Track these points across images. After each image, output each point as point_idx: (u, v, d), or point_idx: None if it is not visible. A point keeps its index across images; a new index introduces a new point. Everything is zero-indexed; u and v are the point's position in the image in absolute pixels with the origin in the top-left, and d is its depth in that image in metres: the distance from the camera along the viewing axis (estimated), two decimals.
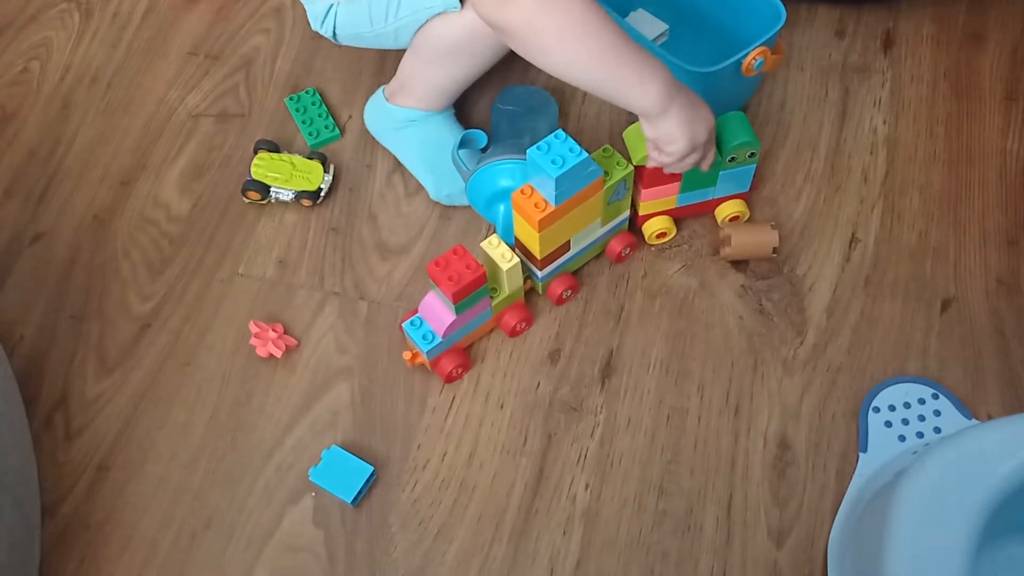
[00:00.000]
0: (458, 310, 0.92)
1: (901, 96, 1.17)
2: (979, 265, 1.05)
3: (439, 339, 0.94)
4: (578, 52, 0.83)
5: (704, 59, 0.98)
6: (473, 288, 0.91)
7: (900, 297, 1.03)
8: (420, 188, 1.11)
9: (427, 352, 0.95)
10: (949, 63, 1.20)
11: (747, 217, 1.06)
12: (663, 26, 1.10)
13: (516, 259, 0.94)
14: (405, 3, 0.99)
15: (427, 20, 0.99)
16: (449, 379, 0.98)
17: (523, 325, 1.01)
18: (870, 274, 1.05)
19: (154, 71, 1.24)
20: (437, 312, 0.94)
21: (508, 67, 1.20)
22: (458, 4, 0.96)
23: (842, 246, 1.06)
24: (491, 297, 0.96)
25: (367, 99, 1.15)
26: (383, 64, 1.21)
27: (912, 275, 1.05)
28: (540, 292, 1.03)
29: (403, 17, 1.00)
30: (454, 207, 1.10)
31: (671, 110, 0.86)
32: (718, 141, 0.98)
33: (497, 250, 0.94)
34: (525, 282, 1.00)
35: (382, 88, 1.12)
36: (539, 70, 1.19)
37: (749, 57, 0.99)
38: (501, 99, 1.13)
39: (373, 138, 1.15)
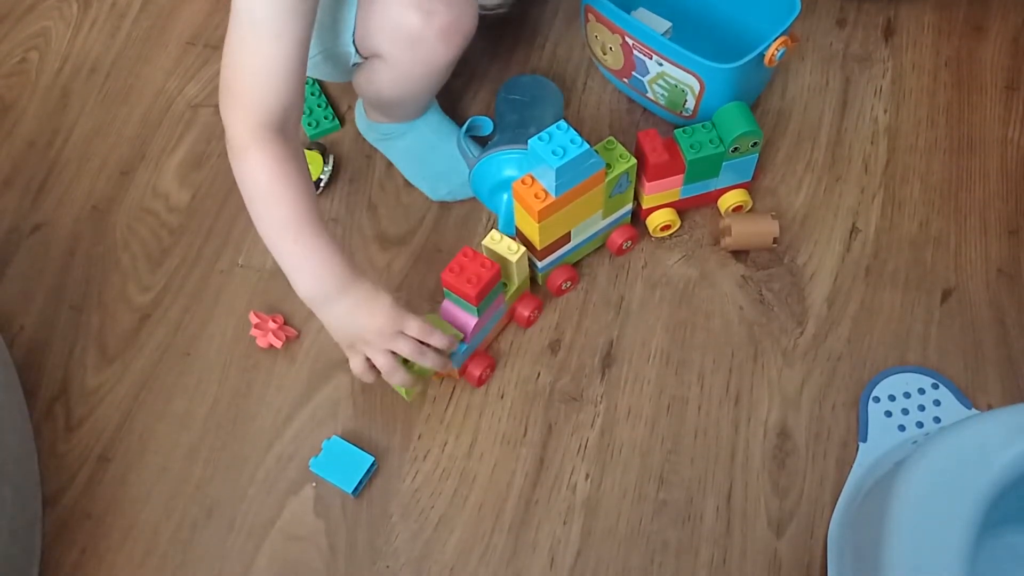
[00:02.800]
0: (479, 311, 0.92)
1: (902, 85, 1.17)
2: (980, 254, 1.05)
3: (464, 345, 0.94)
4: (260, 218, 0.85)
5: (709, 56, 0.98)
6: (492, 286, 0.91)
7: (900, 287, 1.03)
8: None
9: (455, 361, 0.94)
10: (950, 52, 1.19)
11: (750, 207, 1.06)
12: (666, 24, 1.09)
13: (523, 249, 0.94)
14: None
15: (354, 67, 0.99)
16: (479, 383, 0.98)
17: (536, 313, 1.01)
18: (871, 264, 1.05)
19: (153, 61, 1.23)
20: (457, 318, 0.93)
21: (509, 57, 1.19)
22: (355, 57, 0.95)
23: (843, 236, 1.06)
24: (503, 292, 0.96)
25: None
26: None
27: (913, 264, 1.05)
28: (540, 283, 1.03)
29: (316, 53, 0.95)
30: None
31: (323, 312, 0.87)
32: (719, 132, 0.98)
33: (501, 244, 0.94)
34: None
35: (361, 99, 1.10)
36: (540, 60, 1.20)
37: (772, 48, 0.98)
38: (506, 88, 1.12)
39: None
